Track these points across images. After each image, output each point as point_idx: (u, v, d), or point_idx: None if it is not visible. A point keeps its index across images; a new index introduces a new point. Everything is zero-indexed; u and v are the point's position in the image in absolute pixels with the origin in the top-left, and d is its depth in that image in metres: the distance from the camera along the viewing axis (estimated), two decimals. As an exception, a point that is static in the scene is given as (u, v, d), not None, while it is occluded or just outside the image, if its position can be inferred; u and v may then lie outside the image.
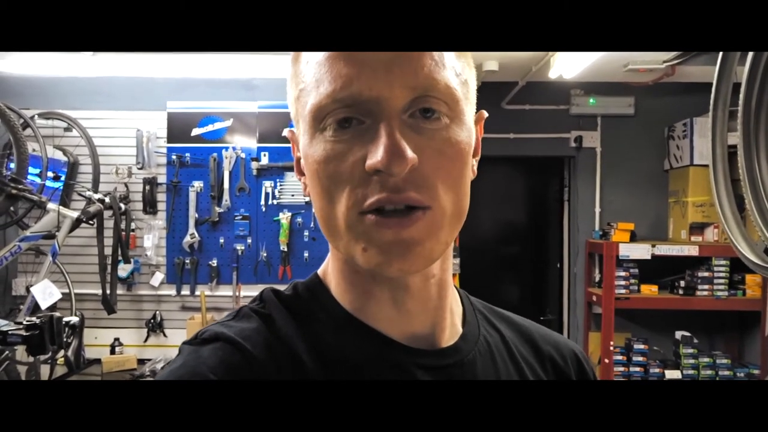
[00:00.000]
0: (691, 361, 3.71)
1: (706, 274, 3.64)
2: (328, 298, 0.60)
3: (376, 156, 0.48)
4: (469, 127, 0.55)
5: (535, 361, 0.66)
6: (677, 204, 3.91)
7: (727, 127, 1.93)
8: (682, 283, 3.70)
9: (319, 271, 0.63)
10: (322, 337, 0.57)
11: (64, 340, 1.86)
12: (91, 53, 3.35)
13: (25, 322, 1.60)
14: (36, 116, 3.63)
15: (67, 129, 3.73)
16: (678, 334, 3.81)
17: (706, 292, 3.64)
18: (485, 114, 0.61)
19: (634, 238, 3.77)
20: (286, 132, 0.62)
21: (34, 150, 3.36)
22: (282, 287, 0.64)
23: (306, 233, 3.72)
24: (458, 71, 0.53)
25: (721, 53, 1.80)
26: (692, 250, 3.61)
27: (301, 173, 0.59)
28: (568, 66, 3.13)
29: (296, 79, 0.55)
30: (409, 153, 0.48)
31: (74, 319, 1.70)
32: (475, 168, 0.59)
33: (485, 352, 0.62)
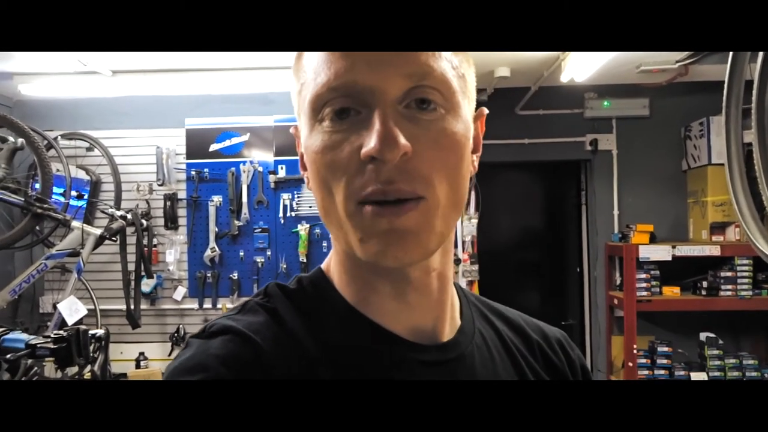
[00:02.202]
0: (717, 362, 3.65)
1: (728, 274, 3.60)
2: (332, 292, 0.60)
3: (370, 143, 0.48)
4: (465, 120, 0.55)
5: (526, 350, 0.67)
6: (697, 204, 3.88)
7: (742, 125, 1.92)
8: (705, 284, 3.66)
9: (323, 266, 0.64)
10: (327, 330, 0.57)
11: (91, 354, 1.90)
12: (110, 74, 3.44)
13: (52, 336, 1.64)
14: (59, 137, 3.72)
15: (89, 149, 3.82)
16: (702, 336, 3.76)
17: (729, 293, 3.59)
18: (486, 111, 0.61)
19: (653, 239, 3.74)
20: (291, 129, 0.62)
21: (57, 170, 3.44)
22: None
23: (325, 244, 3.75)
24: (455, 64, 0.54)
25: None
26: (714, 250, 3.57)
27: (304, 167, 0.60)
28: (579, 69, 3.13)
29: (297, 75, 0.56)
30: (402, 140, 0.49)
31: (100, 332, 1.74)
32: (476, 163, 0.60)
33: (481, 344, 0.63)
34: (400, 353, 0.57)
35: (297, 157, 0.61)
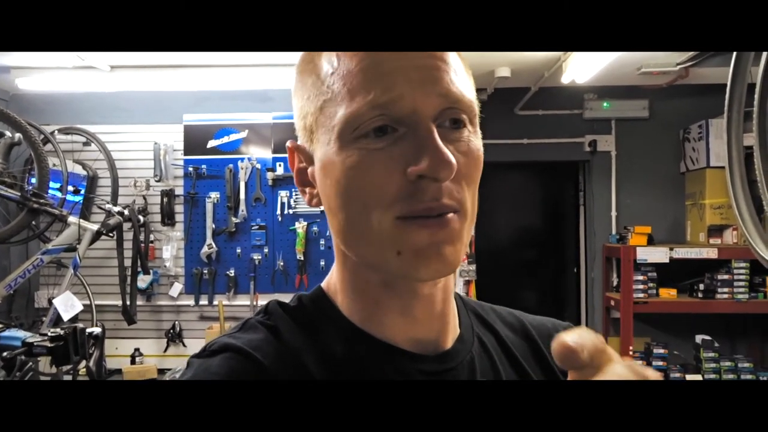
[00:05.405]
0: (713, 365, 3.66)
1: (725, 276, 3.60)
2: (333, 310, 0.61)
3: (422, 163, 0.49)
4: (480, 137, 0.57)
5: (529, 350, 0.67)
6: (695, 206, 3.88)
7: (743, 128, 1.92)
8: (702, 287, 3.67)
9: (323, 285, 0.64)
10: (329, 347, 0.57)
11: (87, 350, 1.89)
12: (108, 69, 3.42)
13: (49, 334, 1.63)
14: (56, 132, 3.70)
15: (86, 143, 3.80)
16: (698, 338, 3.77)
17: (726, 295, 3.60)
18: None
19: (651, 241, 3.75)
20: (289, 143, 0.62)
21: (54, 165, 3.42)
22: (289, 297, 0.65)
23: (322, 242, 3.74)
24: (472, 83, 0.56)
25: (734, 54, 1.80)
26: (711, 253, 3.57)
27: (304, 184, 0.60)
28: (580, 71, 3.13)
29: (315, 90, 0.55)
30: (454, 160, 0.50)
31: (97, 330, 1.73)
32: None
33: (480, 351, 0.63)
34: (401, 364, 0.58)
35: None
